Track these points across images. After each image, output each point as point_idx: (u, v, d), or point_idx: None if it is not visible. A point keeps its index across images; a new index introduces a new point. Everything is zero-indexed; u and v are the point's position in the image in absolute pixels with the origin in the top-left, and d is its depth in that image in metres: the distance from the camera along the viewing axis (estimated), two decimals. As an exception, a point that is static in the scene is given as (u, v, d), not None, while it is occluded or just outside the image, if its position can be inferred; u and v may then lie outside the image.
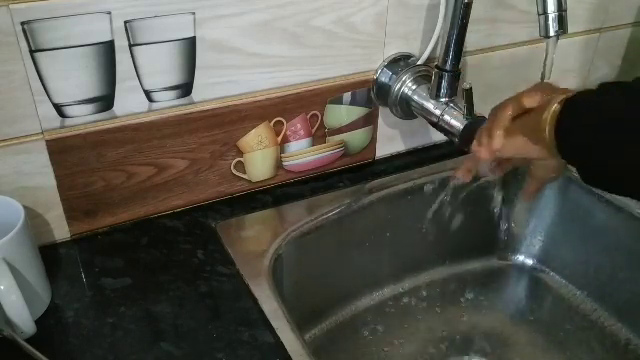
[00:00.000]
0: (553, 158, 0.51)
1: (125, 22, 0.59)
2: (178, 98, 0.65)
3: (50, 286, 0.61)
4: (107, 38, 0.59)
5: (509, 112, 0.55)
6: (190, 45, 0.63)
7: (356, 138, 0.80)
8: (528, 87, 0.55)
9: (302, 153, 0.77)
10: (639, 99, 0.45)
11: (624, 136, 0.44)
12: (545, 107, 0.50)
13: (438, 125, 0.72)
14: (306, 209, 0.74)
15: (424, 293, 0.85)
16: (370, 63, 0.75)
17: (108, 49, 0.59)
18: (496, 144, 0.56)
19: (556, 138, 0.49)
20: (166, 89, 0.64)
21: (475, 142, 0.59)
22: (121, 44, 0.60)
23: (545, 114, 0.50)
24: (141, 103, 0.64)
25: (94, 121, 0.62)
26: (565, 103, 0.49)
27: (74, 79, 0.59)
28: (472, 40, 0.79)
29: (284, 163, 0.76)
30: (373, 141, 0.82)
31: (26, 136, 0.60)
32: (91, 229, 0.68)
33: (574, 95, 0.49)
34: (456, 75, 0.71)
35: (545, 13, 0.61)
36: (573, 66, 0.93)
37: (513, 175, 0.82)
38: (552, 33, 0.62)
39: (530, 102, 0.53)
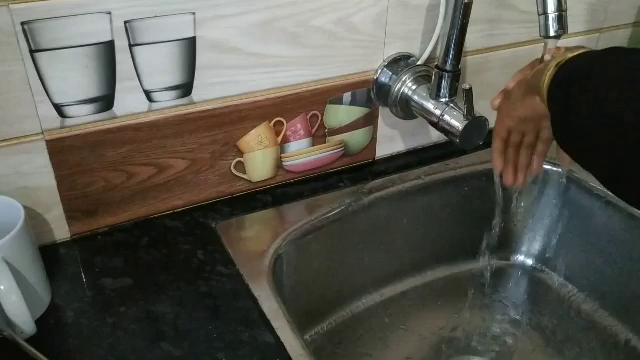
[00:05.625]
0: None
1: (125, 22, 0.59)
2: (178, 98, 0.65)
3: (50, 286, 0.61)
4: (107, 38, 0.59)
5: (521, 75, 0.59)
6: (190, 45, 0.63)
7: (356, 138, 0.80)
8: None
9: (302, 153, 0.77)
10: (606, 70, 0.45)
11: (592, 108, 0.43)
12: (546, 66, 0.51)
13: (438, 125, 0.72)
14: (306, 209, 0.74)
15: (424, 293, 0.85)
16: (370, 63, 0.75)
17: (108, 49, 0.59)
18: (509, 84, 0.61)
19: (547, 97, 0.49)
20: (166, 89, 0.64)
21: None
22: (121, 44, 0.60)
23: (544, 74, 0.50)
24: (141, 103, 0.64)
25: (94, 121, 0.62)
26: (560, 64, 0.49)
27: (74, 79, 0.59)
28: (472, 40, 0.79)
29: (284, 163, 0.76)
30: (373, 141, 0.82)
31: (26, 136, 0.60)
32: (91, 229, 0.68)
33: (569, 58, 0.49)
34: (456, 75, 0.71)
35: (545, 13, 0.61)
36: (573, 66, 0.93)
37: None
38: (552, 33, 0.62)
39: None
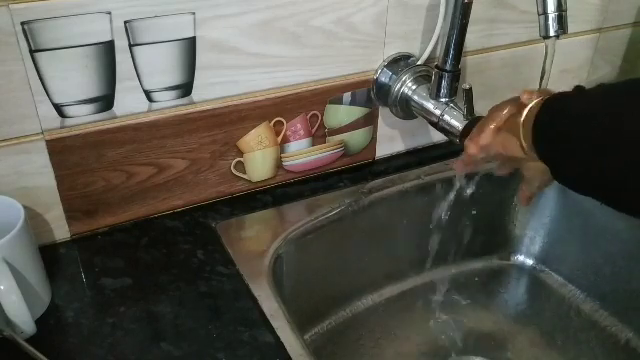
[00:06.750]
0: (530, 158, 0.51)
1: (125, 22, 0.59)
2: (178, 98, 0.65)
3: (50, 286, 0.61)
4: (107, 38, 0.59)
5: (505, 111, 0.56)
6: (190, 45, 0.63)
7: (356, 138, 0.80)
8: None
9: (302, 153, 0.77)
10: (599, 105, 0.45)
11: (587, 143, 0.44)
12: (524, 107, 0.51)
13: (438, 125, 0.72)
14: (306, 209, 0.74)
15: (424, 293, 0.85)
16: (370, 63, 0.75)
17: (108, 49, 0.59)
18: (483, 139, 0.57)
19: (532, 139, 0.49)
20: (166, 89, 0.64)
21: (468, 137, 0.60)
22: (121, 44, 0.60)
23: (522, 113, 0.50)
24: (141, 103, 0.64)
25: (94, 121, 0.62)
26: (543, 104, 0.49)
27: (74, 79, 0.59)
28: (472, 40, 0.79)
29: (284, 163, 0.76)
30: (373, 141, 0.82)
31: (26, 136, 0.60)
32: (91, 229, 0.68)
33: (551, 96, 0.49)
34: (456, 75, 0.71)
35: (545, 13, 0.61)
36: (573, 66, 0.93)
37: (513, 175, 0.82)
38: (552, 33, 0.62)
39: (526, 99, 0.53)
